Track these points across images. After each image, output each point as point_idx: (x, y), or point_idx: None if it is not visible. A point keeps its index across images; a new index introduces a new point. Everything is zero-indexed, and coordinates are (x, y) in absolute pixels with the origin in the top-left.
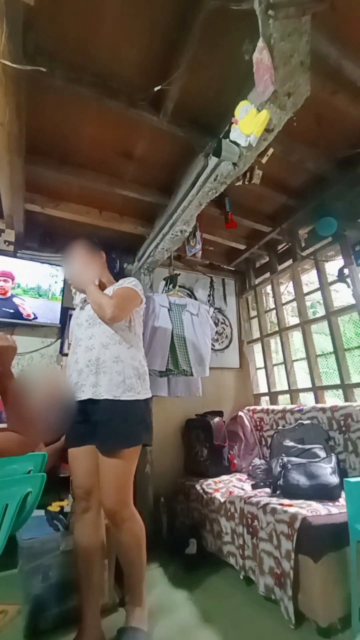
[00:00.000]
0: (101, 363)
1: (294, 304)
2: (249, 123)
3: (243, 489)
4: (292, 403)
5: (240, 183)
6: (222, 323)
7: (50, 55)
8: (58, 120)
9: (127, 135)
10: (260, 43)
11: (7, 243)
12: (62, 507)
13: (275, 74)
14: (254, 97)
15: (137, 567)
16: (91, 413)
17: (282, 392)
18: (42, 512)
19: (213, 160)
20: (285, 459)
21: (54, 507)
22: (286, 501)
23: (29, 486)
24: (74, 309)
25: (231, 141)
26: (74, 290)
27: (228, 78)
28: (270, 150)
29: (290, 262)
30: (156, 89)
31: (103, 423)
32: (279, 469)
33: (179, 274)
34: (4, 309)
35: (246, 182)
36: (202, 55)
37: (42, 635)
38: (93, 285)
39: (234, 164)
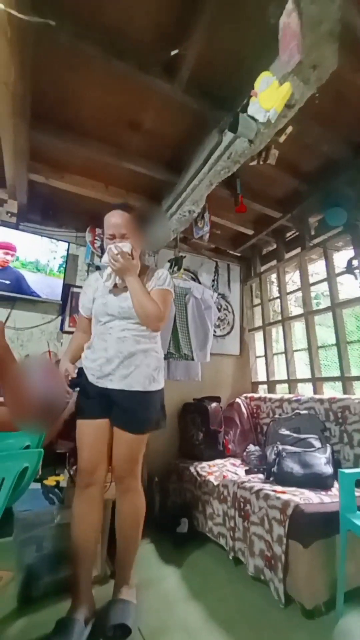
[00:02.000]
0: (133, 357)
1: (298, 294)
2: (270, 96)
3: (237, 474)
4: (290, 393)
5: (254, 163)
6: (224, 309)
7: (56, 7)
8: (62, 83)
9: (135, 103)
10: (289, 5)
11: (9, 214)
12: (57, 482)
13: (302, 42)
14: (276, 68)
15: (132, 542)
16: (114, 398)
17: (281, 382)
18: (38, 486)
19: (228, 137)
20: (280, 446)
21: (50, 481)
22: (279, 488)
23: (26, 461)
24: (76, 286)
25: (249, 116)
26: (105, 277)
27: (250, 45)
28: (289, 129)
29: (298, 250)
30: (172, 53)
31: (130, 411)
32: (273, 456)
33: (184, 257)
34: (3, 281)
35: (261, 162)
36: (223, 16)
37: (35, 602)
38: (137, 279)
39: (250, 141)
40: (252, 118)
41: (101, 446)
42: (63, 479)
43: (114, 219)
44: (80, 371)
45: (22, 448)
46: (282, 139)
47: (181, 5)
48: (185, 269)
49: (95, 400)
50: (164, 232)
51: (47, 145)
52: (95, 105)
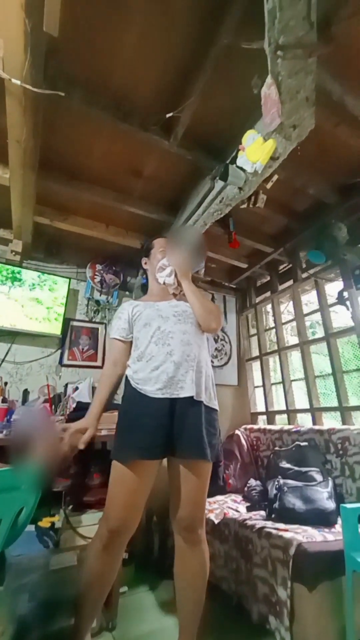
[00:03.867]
0: (199, 362)
1: (294, 323)
2: (256, 151)
3: (238, 511)
4: (289, 423)
5: (245, 206)
6: (221, 340)
7: (68, 79)
8: (71, 138)
9: (137, 155)
10: (269, 79)
11: (14, 253)
12: (52, 523)
13: (282, 108)
14: (261, 127)
15: (201, 604)
16: (180, 415)
17: (280, 412)
18: (31, 528)
19: (219, 184)
20: (282, 481)
21: (45, 522)
22: (281, 525)
23: (23, 502)
24: (76, 320)
25: (238, 167)
26: (166, 274)
27: (237, 107)
28: (275, 177)
29: (291, 282)
30: (168, 115)
31: (195, 428)
32: (274, 491)
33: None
34: None
35: (251, 206)
36: (213, 85)
37: None
38: (193, 283)
39: (240, 188)
40: (241, 168)
41: (141, 500)
42: (58, 520)
43: (165, 243)
44: (128, 396)
45: (19, 488)
46: (269, 185)
47: (178, 76)
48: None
49: (157, 433)
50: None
51: (53, 190)
52: (100, 156)
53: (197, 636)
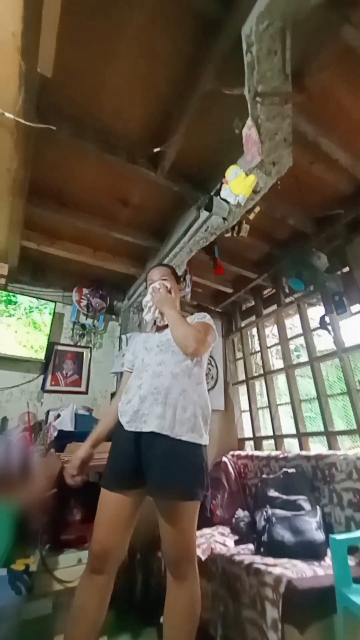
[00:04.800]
0: (168, 393)
1: (279, 347)
2: (239, 185)
3: (225, 545)
4: (276, 449)
5: (229, 235)
6: (208, 364)
7: (58, 113)
8: (60, 168)
9: (124, 184)
10: (249, 122)
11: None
12: (27, 566)
13: (262, 147)
14: (243, 163)
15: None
16: (145, 449)
17: (267, 437)
18: (3, 572)
19: (204, 214)
20: (270, 511)
21: (19, 565)
22: (270, 560)
23: None
24: (61, 344)
25: (222, 198)
26: (145, 312)
27: (220, 143)
28: (257, 209)
29: (275, 306)
30: (155, 150)
31: (162, 463)
32: (263, 522)
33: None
34: None
35: (234, 235)
36: (197, 123)
37: None
38: (176, 311)
39: (224, 219)
40: (225, 200)
41: (121, 527)
42: (33, 562)
43: (155, 270)
44: (116, 427)
45: None
46: (252, 217)
47: (163, 114)
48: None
49: (129, 466)
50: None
51: (41, 216)
52: (88, 185)
53: None
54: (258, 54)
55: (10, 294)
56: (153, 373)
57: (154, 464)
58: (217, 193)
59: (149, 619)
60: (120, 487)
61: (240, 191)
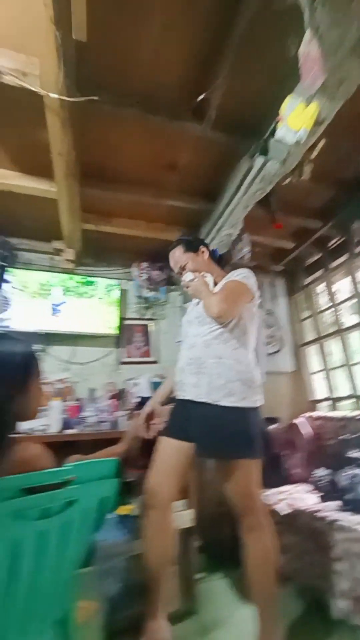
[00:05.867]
0: (202, 363)
1: (349, 302)
2: (297, 117)
3: (308, 502)
4: (355, 409)
5: (288, 181)
6: (272, 326)
7: (96, 83)
8: (103, 143)
9: (170, 148)
10: (307, 35)
11: (68, 261)
12: (130, 511)
13: (324, 65)
14: (301, 91)
15: (268, 584)
16: (190, 414)
17: (343, 398)
18: (112, 516)
19: (259, 161)
20: (355, 470)
21: (123, 510)
22: (358, 517)
23: (106, 490)
24: (127, 318)
25: (278, 139)
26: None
27: (270, 78)
28: (321, 143)
29: (344, 257)
30: (199, 98)
31: (202, 427)
32: (346, 481)
33: None
34: None
35: (295, 180)
36: (242, 59)
37: (118, 636)
38: (202, 285)
39: (282, 162)
40: (282, 140)
41: (170, 469)
42: (133, 508)
43: (171, 261)
44: None
45: (100, 478)
46: (314, 155)
47: (204, 57)
48: None
49: (180, 421)
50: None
51: (95, 197)
52: (134, 156)
53: (276, 622)
54: None
55: (86, 276)
56: (189, 345)
57: (196, 428)
58: (272, 134)
59: (239, 562)
60: (172, 436)
61: (300, 125)
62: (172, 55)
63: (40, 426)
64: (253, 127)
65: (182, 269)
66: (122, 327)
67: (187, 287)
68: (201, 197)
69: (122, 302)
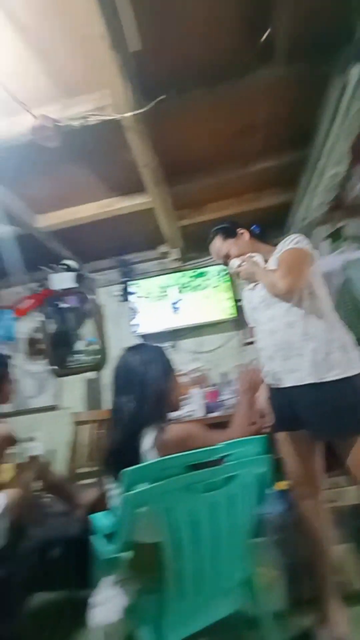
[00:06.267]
0: (291, 345)
1: None
2: None
3: None
4: None
5: None
6: None
7: (158, 82)
8: (180, 137)
9: (244, 108)
10: None
11: (176, 261)
12: (286, 486)
13: None
14: None
15: None
16: (296, 399)
17: None
18: (272, 491)
19: (355, 72)
20: None
21: (281, 485)
22: None
23: (260, 466)
24: (239, 300)
25: None
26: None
27: None
28: None
29: None
30: (264, 35)
31: (314, 410)
32: None
33: (343, 226)
34: None
35: None
36: None
37: (300, 605)
38: (253, 266)
39: None
40: None
41: (301, 459)
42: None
43: (213, 254)
44: None
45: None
46: None
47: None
48: (349, 238)
49: (286, 410)
50: (309, 213)
51: (183, 192)
52: (210, 136)
53: None
54: None
55: (195, 269)
56: (269, 331)
57: (307, 413)
58: None
59: None
60: (284, 429)
61: None
62: (223, 11)
63: (186, 413)
64: (332, 42)
65: (227, 257)
66: (238, 308)
67: (238, 274)
68: (290, 147)
69: (234, 283)
